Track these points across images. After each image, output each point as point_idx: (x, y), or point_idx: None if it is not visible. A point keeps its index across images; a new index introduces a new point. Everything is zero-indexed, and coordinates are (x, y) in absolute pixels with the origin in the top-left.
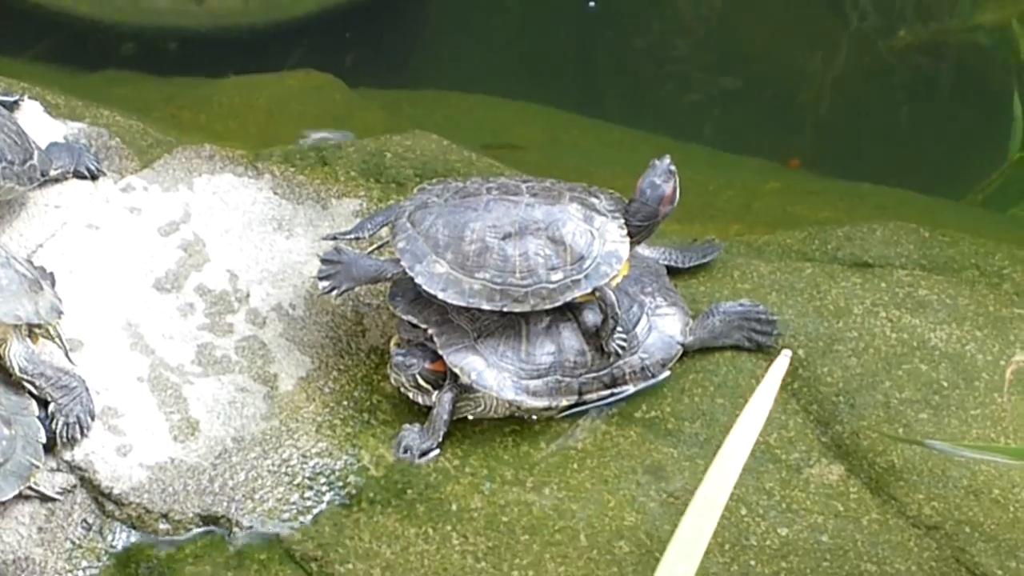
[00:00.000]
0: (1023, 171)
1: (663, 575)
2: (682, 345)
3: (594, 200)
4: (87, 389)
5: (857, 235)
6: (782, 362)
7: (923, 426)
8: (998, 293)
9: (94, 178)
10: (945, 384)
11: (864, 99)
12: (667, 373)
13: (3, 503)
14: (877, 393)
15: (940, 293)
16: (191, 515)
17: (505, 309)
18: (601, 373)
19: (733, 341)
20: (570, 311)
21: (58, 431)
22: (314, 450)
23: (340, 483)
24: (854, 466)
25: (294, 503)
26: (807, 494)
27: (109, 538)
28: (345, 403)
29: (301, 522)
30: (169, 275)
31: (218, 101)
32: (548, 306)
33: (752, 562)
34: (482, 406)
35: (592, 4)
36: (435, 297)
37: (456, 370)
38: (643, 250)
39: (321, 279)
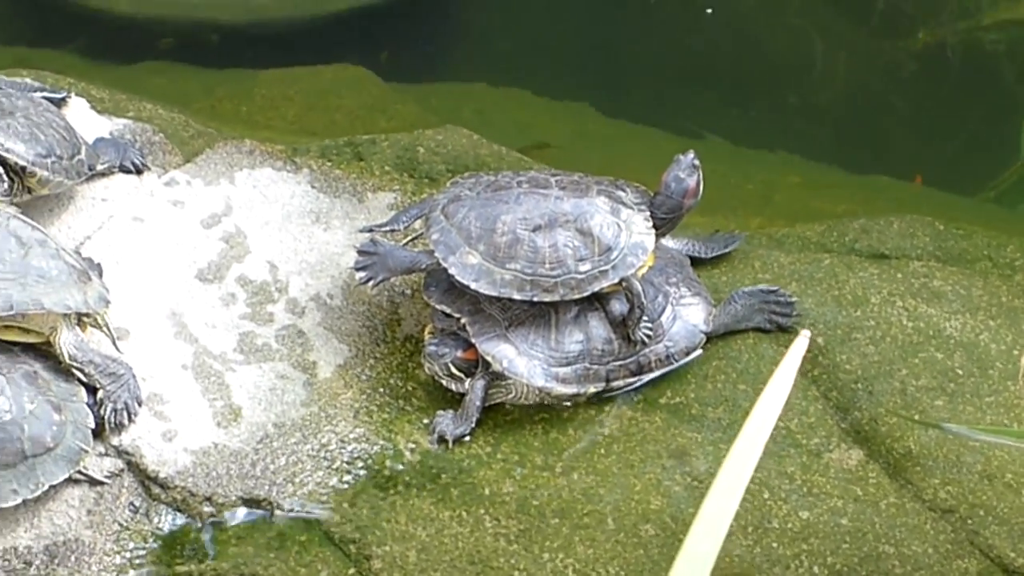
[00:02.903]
0: None
1: (687, 555)
2: (705, 333)
3: (621, 193)
4: (134, 376)
5: (874, 228)
6: (802, 342)
7: (939, 412)
8: (1010, 284)
9: (139, 172)
10: (960, 372)
11: (882, 97)
12: (691, 358)
13: (54, 486)
14: (894, 380)
15: (954, 284)
16: (234, 498)
17: (535, 299)
18: (628, 361)
19: (755, 324)
20: (598, 301)
21: (106, 417)
22: (352, 435)
23: (377, 468)
24: (872, 451)
25: (333, 487)
26: (827, 478)
27: (155, 520)
28: (381, 390)
29: (340, 505)
30: (211, 266)
31: (257, 93)
32: (577, 296)
33: (774, 544)
34: (513, 393)
35: (709, 10)
36: (468, 287)
37: (488, 358)
38: (668, 241)
39: (358, 270)
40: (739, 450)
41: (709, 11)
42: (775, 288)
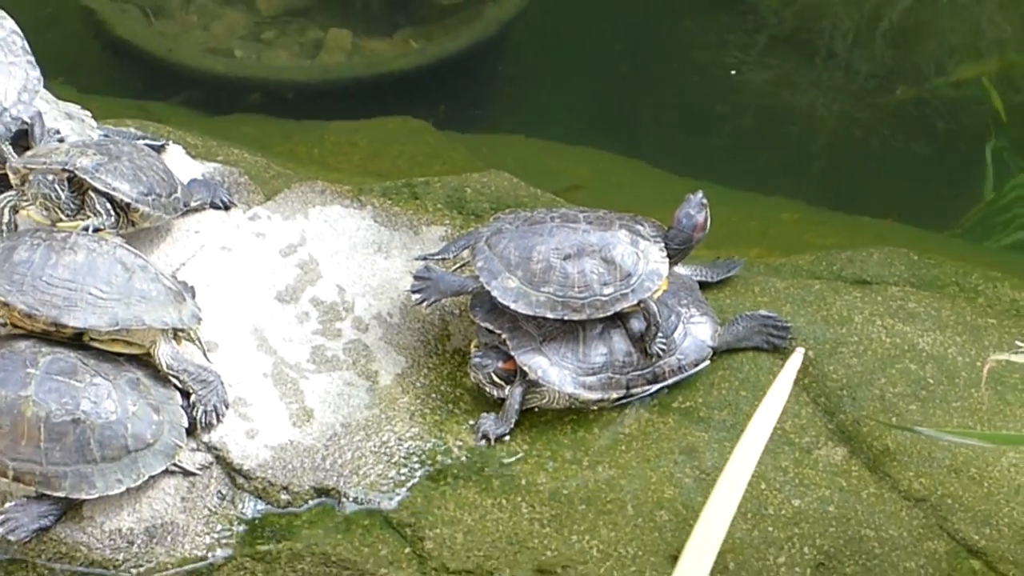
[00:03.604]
0: (996, 209)
1: (699, 536)
2: (712, 348)
3: (639, 227)
4: (222, 383)
5: (857, 258)
6: (797, 357)
7: (912, 415)
8: (974, 306)
9: (227, 209)
10: (931, 381)
11: (864, 145)
12: (699, 368)
13: (153, 477)
14: (874, 388)
15: (927, 306)
16: (307, 488)
17: (565, 317)
18: (645, 371)
19: (754, 344)
20: (620, 319)
21: (198, 417)
22: (408, 434)
23: (429, 462)
24: (855, 448)
25: (391, 478)
26: (816, 471)
27: (240, 506)
28: (433, 395)
29: (397, 494)
30: (288, 289)
31: (328, 140)
32: (601, 315)
33: (770, 528)
34: (546, 398)
35: (733, 72)
36: (508, 308)
37: (525, 368)
38: (679, 269)
39: (414, 292)
40: (743, 448)
41: (733, 72)
42: (773, 315)
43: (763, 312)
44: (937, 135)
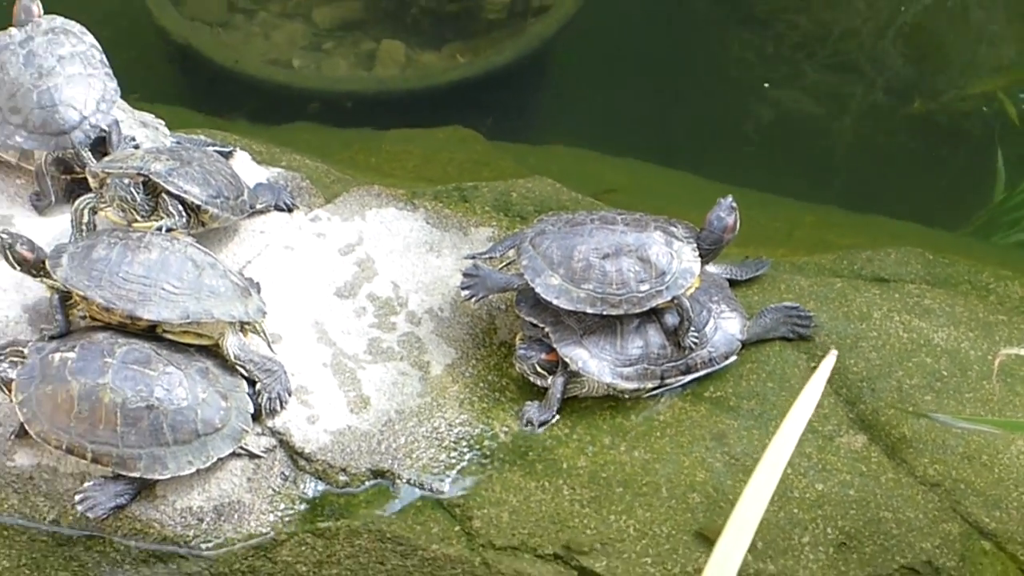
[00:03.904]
0: (1005, 209)
1: (737, 518)
2: (741, 341)
3: (673, 229)
4: (285, 372)
5: (876, 257)
6: (830, 360)
7: (928, 405)
8: (986, 303)
9: (290, 211)
10: (945, 373)
11: (884, 152)
12: (729, 361)
13: (221, 459)
14: (892, 380)
15: (941, 303)
16: (364, 470)
17: (604, 312)
18: (678, 363)
19: (780, 334)
20: (655, 314)
21: (263, 404)
22: (457, 420)
23: (477, 446)
24: (874, 436)
25: (442, 461)
26: (838, 458)
27: (301, 487)
28: (481, 384)
29: (448, 476)
30: (346, 285)
31: (384, 148)
32: (637, 311)
33: (795, 510)
34: (586, 387)
35: (767, 84)
36: (550, 303)
37: (567, 360)
38: (710, 267)
39: (463, 288)
40: (778, 441)
41: (767, 85)
42: (796, 305)
43: (787, 303)
44: (951, 143)
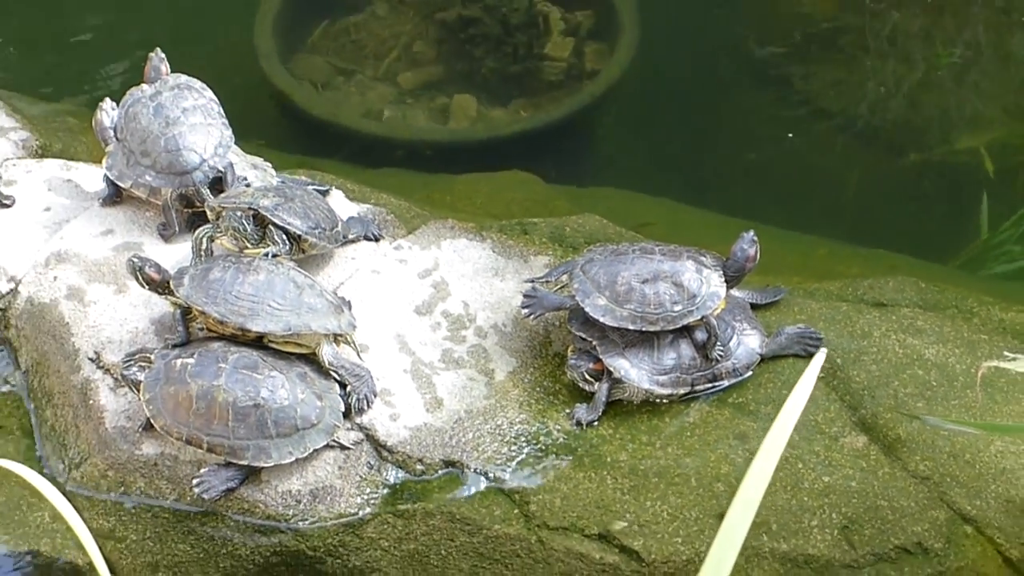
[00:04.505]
0: (988, 246)
1: (741, 499)
2: (760, 355)
3: (703, 258)
4: (372, 377)
5: (877, 285)
6: (820, 356)
7: (920, 411)
8: (971, 324)
9: (377, 240)
10: (935, 384)
11: (884, 197)
12: (750, 372)
13: (316, 450)
14: (889, 389)
15: (932, 324)
16: (437, 460)
17: (643, 329)
18: (706, 372)
19: (793, 352)
20: (686, 331)
21: (352, 404)
22: (517, 419)
23: (534, 442)
24: (873, 437)
25: (504, 454)
26: (842, 455)
27: (384, 475)
28: (538, 389)
29: (509, 466)
30: (424, 304)
31: (457, 189)
32: (672, 328)
33: (805, 498)
34: (627, 393)
35: (791, 135)
36: (598, 320)
37: (611, 368)
38: (735, 292)
39: (523, 308)
40: (777, 428)
41: (790, 135)
42: (809, 328)
43: (800, 327)
44: (942, 189)
